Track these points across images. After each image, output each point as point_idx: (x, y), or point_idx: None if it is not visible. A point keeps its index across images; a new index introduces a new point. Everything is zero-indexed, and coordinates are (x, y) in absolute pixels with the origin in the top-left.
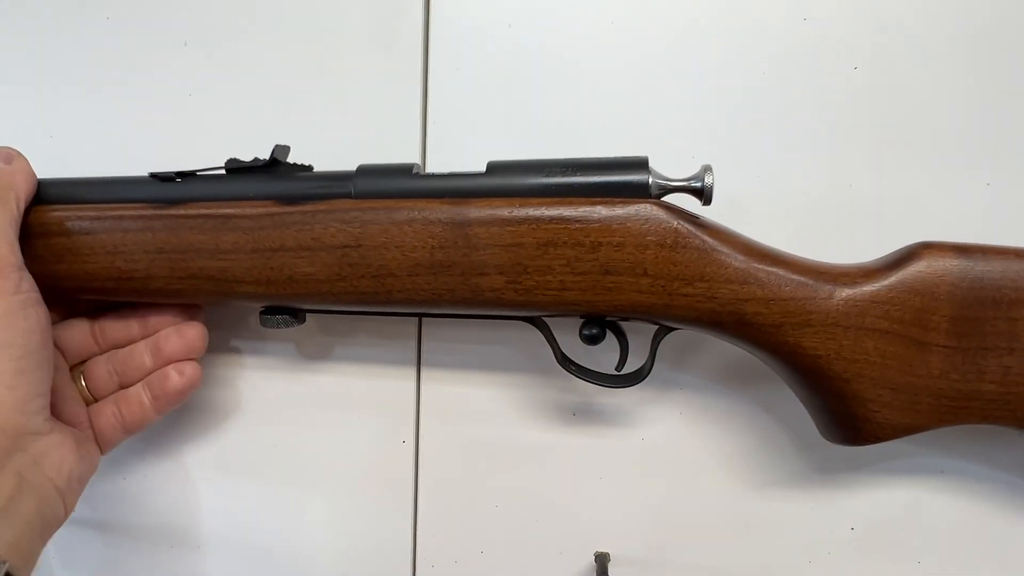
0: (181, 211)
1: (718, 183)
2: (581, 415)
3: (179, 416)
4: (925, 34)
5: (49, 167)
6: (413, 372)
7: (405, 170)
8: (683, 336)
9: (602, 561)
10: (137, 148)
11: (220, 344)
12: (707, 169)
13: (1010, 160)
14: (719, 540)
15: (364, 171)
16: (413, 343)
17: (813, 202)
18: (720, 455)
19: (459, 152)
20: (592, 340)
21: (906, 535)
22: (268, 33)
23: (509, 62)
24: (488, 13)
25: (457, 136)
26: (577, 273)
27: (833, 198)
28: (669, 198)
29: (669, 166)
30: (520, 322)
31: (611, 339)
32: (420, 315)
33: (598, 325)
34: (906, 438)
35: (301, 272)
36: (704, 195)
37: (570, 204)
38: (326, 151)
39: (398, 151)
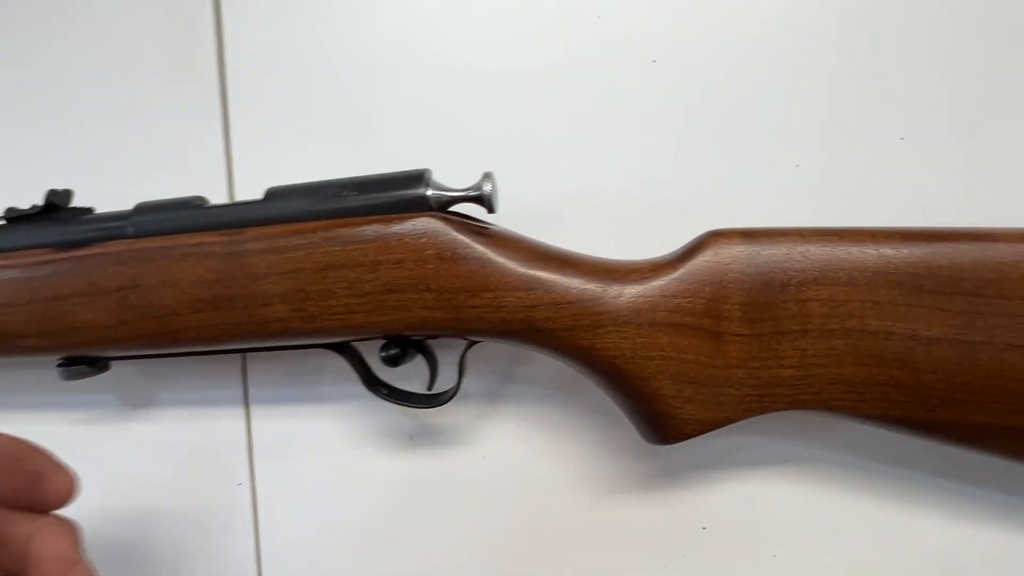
0: None
1: (530, 191)
2: (418, 438)
3: None
4: (719, 21)
5: None
6: (242, 411)
7: (183, 204)
8: (510, 347)
9: None
10: None
11: (26, 402)
12: (487, 176)
13: (816, 140)
14: (572, 555)
15: (142, 209)
16: (238, 381)
17: (625, 201)
18: (564, 466)
19: (267, 180)
20: (392, 361)
21: (758, 529)
22: (57, 77)
23: (306, 85)
24: (280, 38)
25: (264, 164)
26: (360, 295)
27: (645, 195)
28: (459, 208)
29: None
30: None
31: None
32: (218, 352)
33: (397, 345)
34: (747, 431)
35: (81, 319)
36: (485, 203)
37: (346, 225)
38: (131, 193)
39: (204, 185)
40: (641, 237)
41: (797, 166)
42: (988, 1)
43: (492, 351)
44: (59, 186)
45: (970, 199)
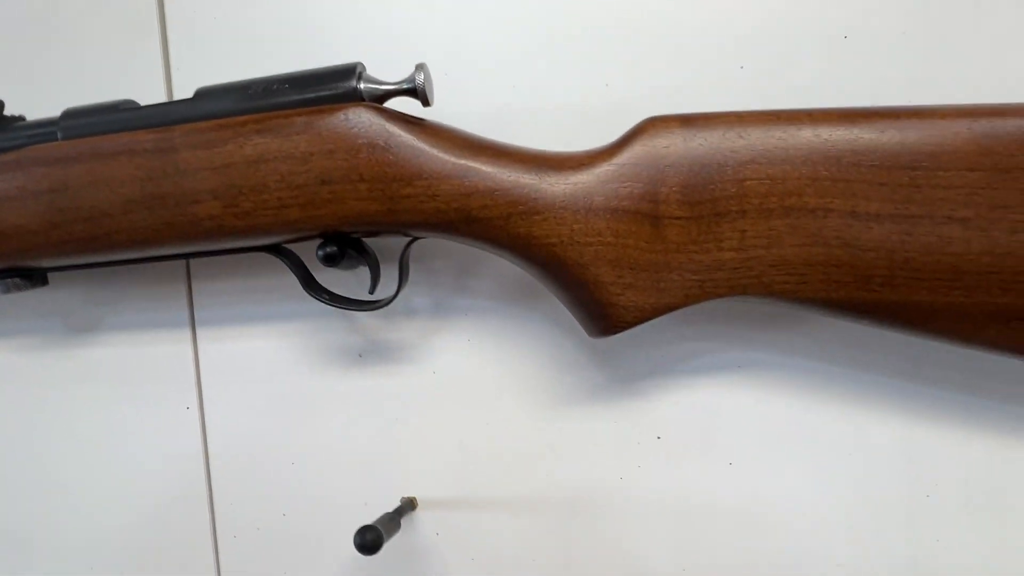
0: None
1: (469, 94)
2: (368, 356)
3: None
4: None
5: None
6: (188, 334)
7: (112, 108)
8: (460, 258)
9: (400, 508)
10: None
11: None
12: (419, 68)
13: (760, 42)
14: (527, 468)
15: (70, 114)
16: (184, 302)
17: (572, 108)
18: (516, 378)
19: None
20: (330, 260)
21: (713, 437)
22: None
23: None
24: None
25: (204, 67)
26: (294, 187)
27: (591, 101)
28: (394, 104)
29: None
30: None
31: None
32: (156, 259)
33: (334, 243)
34: (701, 337)
35: (11, 225)
36: (420, 95)
37: (276, 118)
38: (67, 103)
39: (142, 94)
40: (582, 140)
41: (742, 67)
42: None
43: (440, 262)
44: None
45: (918, 96)
